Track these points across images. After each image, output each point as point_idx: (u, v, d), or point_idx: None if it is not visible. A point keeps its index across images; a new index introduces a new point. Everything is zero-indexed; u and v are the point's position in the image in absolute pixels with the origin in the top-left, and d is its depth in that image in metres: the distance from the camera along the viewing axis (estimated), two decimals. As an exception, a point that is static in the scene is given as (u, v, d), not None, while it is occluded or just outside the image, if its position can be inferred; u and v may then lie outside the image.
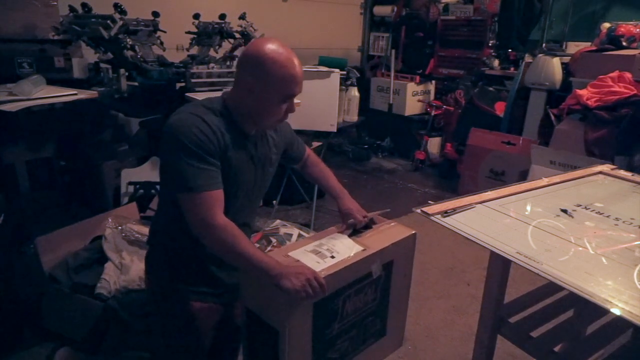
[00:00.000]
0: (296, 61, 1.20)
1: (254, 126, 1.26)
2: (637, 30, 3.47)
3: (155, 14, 2.83)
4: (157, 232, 1.37)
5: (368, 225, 1.49)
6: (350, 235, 1.43)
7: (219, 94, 1.31)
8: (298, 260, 1.26)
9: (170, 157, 1.14)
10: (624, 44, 3.38)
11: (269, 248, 2.16)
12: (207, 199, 1.13)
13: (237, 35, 3.06)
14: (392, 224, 1.53)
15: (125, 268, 1.98)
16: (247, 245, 1.16)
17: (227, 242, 1.14)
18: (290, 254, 1.31)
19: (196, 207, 1.13)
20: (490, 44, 4.66)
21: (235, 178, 1.23)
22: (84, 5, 2.56)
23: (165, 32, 2.92)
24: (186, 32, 3.03)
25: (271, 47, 1.17)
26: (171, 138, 1.13)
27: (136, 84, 2.76)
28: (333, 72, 3.04)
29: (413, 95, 5.02)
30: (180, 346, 1.37)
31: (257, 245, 2.20)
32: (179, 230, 1.23)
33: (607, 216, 1.30)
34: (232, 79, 3.01)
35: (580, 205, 1.37)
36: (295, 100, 1.28)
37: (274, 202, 3.52)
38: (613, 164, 1.95)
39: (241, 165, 1.24)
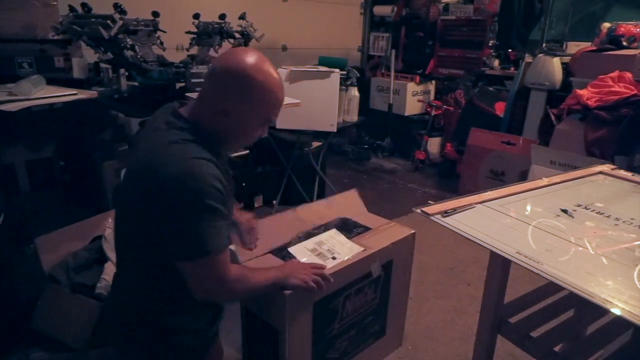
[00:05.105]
0: (281, 80, 1.06)
1: (224, 149, 1.10)
2: (637, 30, 3.47)
3: (155, 14, 2.83)
4: (136, 323, 1.10)
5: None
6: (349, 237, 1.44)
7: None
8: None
9: (190, 220, 0.93)
10: (624, 43, 3.37)
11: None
12: (224, 257, 1.00)
13: (237, 35, 3.06)
14: (392, 224, 1.53)
15: (125, 268, 1.97)
16: (255, 277, 1.11)
17: (245, 288, 1.07)
18: (290, 249, 1.32)
19: (212, 270, 0.98)
20: (490, 44, 4.65)
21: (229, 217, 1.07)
22: (83, 5, 2.56)
23: (165, 32, 2.92)
24: (186, 32, 3.03)
25: (258, 66, 1.00)
26: (191, 200, 0.92)
27: (136, 84, 2.76)
28: (333, 72, 3.04)
29: (413, 95, 5.02)
30: None
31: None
32: (176, 303, 1.06)
33: (608, 216, 1.30)
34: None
35: (581, 205, 1.37)
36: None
37: (274, 202, 3.52)
38: (613, 164, 1.95)
39: (231, 201, 1.08)
